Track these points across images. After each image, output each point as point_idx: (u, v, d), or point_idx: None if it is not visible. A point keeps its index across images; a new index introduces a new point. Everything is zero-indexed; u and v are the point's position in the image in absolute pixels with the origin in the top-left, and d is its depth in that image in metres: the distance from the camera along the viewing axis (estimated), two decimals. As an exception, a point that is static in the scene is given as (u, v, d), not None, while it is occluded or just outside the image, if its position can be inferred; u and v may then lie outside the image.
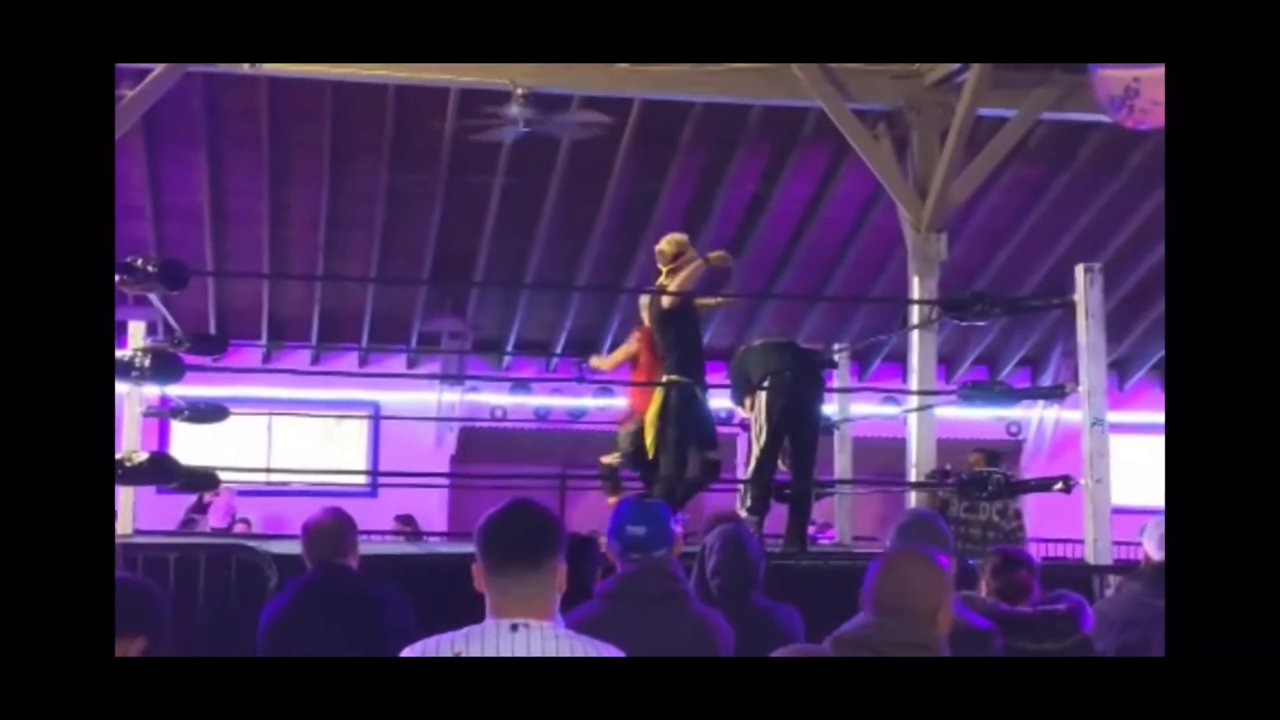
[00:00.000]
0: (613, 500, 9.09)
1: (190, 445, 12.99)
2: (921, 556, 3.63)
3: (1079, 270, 8.02)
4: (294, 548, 5.54)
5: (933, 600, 3.38)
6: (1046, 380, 16.95)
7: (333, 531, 5.18)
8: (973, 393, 9.33)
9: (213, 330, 15.02)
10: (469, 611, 3.15)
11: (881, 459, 13.51)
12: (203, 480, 8.92)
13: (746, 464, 8.65)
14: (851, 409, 11.71)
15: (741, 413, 9.39)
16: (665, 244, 9.33)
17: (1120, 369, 17.51)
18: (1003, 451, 10.31)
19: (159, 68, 9.93)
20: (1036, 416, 17.93)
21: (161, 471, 7.46)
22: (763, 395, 8.65)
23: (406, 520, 14.82)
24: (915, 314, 10.67)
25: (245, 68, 10.47)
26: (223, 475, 8.92)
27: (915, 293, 10.54)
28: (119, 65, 6.53)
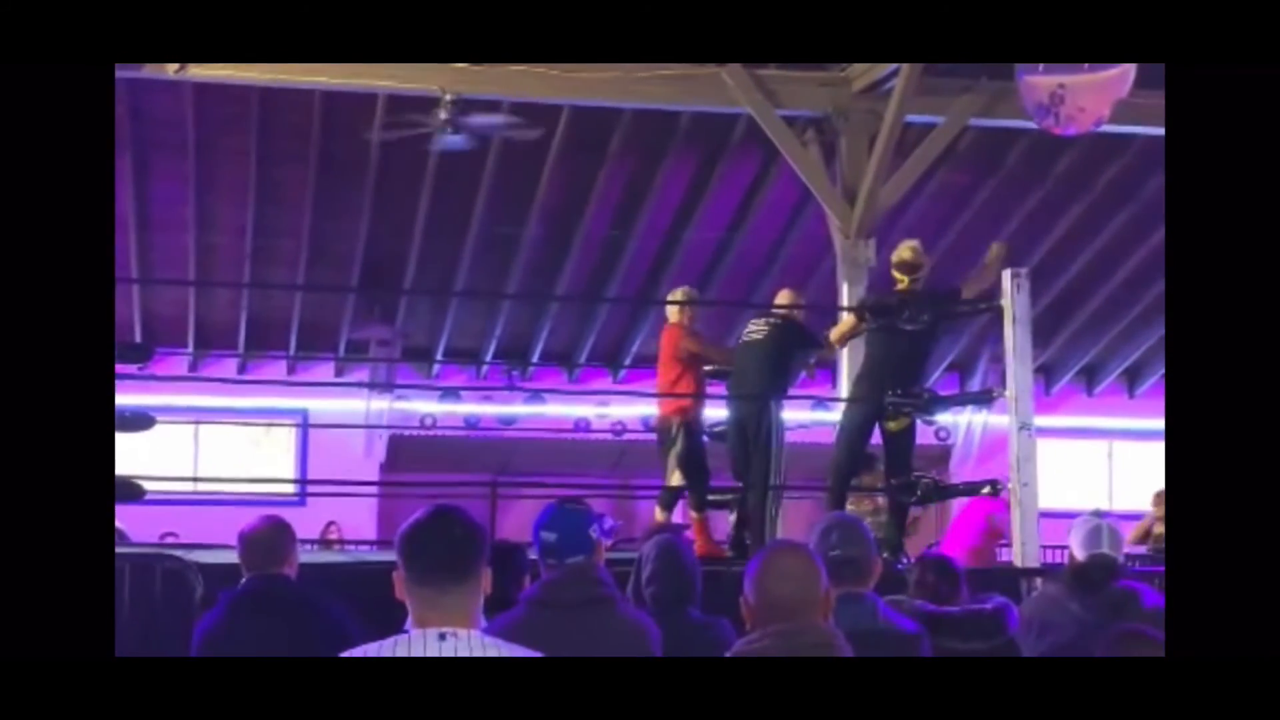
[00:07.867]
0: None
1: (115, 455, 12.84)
2: (791, 547, 3.61)
3: (1006, 276, 8.07)
4: (220, 557, 5.46)
5: (816, 587, 3.35)
6: (974, 385, 17.05)
7: (269, 539, 5.02)
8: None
9: (138, 338, 14.84)
10: (399, 620, 3.11)
11: (809, 465, 13.51)
12: (127, 490, 8.79)
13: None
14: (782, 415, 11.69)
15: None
16: (908, 252, 8.84)
17: (1046, 374, 17.67)
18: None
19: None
20: (965, 421, 18.03)
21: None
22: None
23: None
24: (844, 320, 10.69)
25: (170, 73, 10.36)
26: (148, 485, 8.79)
27: (844, 299, 10.57)
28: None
